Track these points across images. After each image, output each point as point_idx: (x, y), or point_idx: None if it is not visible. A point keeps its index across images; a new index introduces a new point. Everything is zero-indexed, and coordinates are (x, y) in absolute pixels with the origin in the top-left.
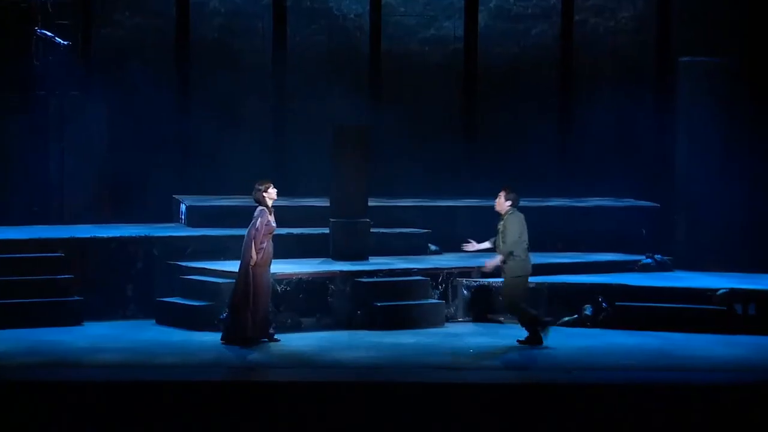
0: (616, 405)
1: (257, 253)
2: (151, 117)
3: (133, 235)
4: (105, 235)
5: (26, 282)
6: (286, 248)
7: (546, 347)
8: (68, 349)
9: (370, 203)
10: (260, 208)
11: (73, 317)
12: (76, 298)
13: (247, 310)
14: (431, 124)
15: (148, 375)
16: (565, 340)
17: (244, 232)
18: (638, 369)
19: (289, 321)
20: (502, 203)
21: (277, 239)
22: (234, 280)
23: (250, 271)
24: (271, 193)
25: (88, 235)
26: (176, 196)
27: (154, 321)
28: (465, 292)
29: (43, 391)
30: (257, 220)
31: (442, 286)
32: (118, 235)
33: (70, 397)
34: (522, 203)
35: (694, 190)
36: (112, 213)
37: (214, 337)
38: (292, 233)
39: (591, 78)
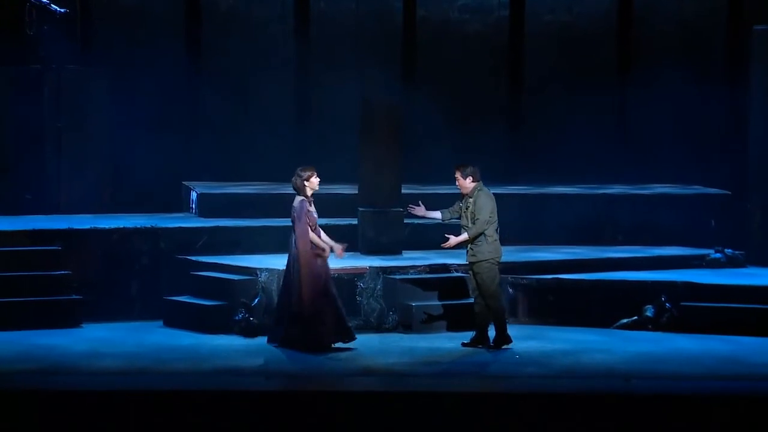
0: (681, 418)
1: (306, 245)
2: (158, 93)
3: (138, 226)
4: (106, 226)
5: (18, 278)
6: None
7: (500, 348)
8: (65, 354)
9: (404, 191)
10: (300, 198)
11: (70, 318)
12: (74, 296)
13: (323, 313)
14: (471, 101)
15: (154, 383)
16: (624, 344)
17: (261, 222)
18: (706, 378)
19: None
20: (465, 183)
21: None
22: (281, 284)
23: (313, 271)
24: (312, 183)
25: (88, 226)
26: (186, 183)
27: (161, 322)
28: (510, 290)
29: (37, 401)
30: (299, 213)
31: None
32: (121, 226)
33: (66, 408)
34: (576, 190)
35: None
36: (115, 201)
37: (227, 341)
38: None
39: (653, 50)
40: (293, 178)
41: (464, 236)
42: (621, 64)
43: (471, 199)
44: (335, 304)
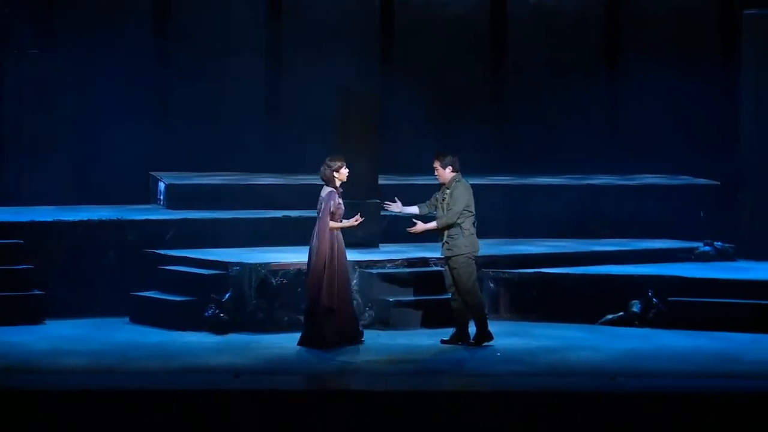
0: (668, 418)
1: (325, 243)
2: (125, 81)
3: (104, 218)
4: (70, 219)
5: None
6: (282, 233)
7: (480, 345)
8: (27, 352)
9: (381, 182)
10: (328, 190)
11: (32, 314)
12: (37, 292)
13: (333, 312)
14: (453, 89)
15: (120, 382)
16: (610, 341)
17: (232, 215)
18: (694, 376)
19: (286, 319)
20: (443, 173)
21: (271, 223)
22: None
23: (331, 265)
24: (342, 174)
25: (51, 219)
26: (153, 173)
27: (127, 319)
28: (492, 285)
29: None
30: (328, 203)
31: None
32: (86, 218)
33: (28, 409)
34: (563, 181)
35: (761, 166)
36: (79, 192)
37: (197, 338)
38: (289, 216)
39: (642, 36)
40: (322, 168)
41: (433, 224)
42: (610, 50)
43: (448, 191)
44: (348, 305)
